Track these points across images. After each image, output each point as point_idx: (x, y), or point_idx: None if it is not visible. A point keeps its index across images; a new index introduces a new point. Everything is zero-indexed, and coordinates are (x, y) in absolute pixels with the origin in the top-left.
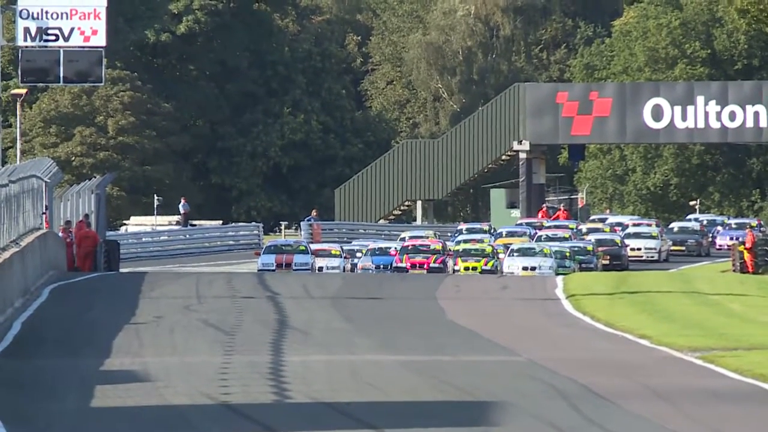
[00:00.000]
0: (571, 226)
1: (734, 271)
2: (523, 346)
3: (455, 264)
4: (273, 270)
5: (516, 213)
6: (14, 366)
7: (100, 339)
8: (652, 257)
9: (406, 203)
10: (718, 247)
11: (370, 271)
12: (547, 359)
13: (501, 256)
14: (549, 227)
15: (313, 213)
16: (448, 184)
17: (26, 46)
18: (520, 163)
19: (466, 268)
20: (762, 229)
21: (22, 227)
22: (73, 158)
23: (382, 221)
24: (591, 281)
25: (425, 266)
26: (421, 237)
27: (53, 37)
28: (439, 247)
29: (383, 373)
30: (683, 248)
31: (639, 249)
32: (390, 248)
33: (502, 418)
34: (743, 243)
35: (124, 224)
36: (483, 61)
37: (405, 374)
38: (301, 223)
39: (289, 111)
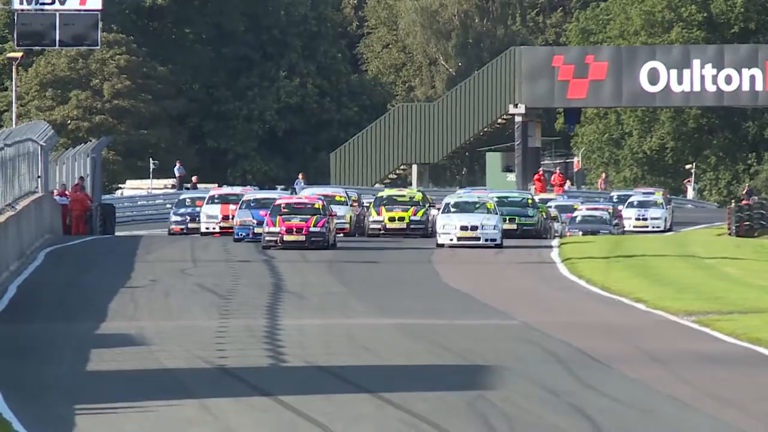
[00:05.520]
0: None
1: (729, 234)
2: (518, 309)
3: (378, 213)
4: (218, 222)
5: (512, 177)
6: (10, 329)
7: (96, 302)
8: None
9: (402, 167)
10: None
11: (250, 227)
12: (543, 323)
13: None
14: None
15: (300, 177)
16: (444, 148)
17: (22, 10)
18: (516, 126)
19: (392, 219)
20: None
21: (17, 191)
22: (69, 122)
23: (377, 185)
24: (586, 245)
25: (303, 231)
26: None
27: (49, 1)
28: (318, 205)
29: (379, 337)
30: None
31: None
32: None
33: (497, 382)
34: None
35: (120, 188)
36: (479, 25)
37: (400, 338)
38: (294, 185)
39: (284, 75)
